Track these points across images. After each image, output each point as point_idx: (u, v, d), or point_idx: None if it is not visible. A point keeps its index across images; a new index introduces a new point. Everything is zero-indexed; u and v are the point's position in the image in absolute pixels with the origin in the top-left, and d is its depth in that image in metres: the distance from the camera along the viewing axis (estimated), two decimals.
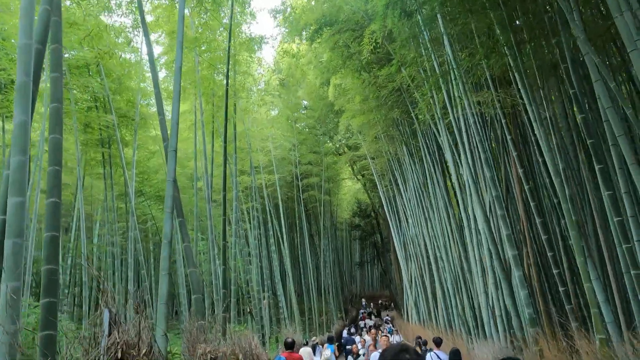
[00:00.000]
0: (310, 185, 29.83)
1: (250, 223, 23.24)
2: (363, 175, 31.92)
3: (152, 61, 7.39)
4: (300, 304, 28.45)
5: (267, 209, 24.74)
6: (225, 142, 11.31)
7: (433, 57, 10.46)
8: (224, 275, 11.00)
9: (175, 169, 6.25)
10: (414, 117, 14.64)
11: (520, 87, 8.17)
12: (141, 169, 20.76)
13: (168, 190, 6.07)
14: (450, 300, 15.29)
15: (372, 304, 39.67)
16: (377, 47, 13.28)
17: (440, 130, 12.54)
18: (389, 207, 24.63)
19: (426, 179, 16.20)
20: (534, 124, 8.01)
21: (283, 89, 27.83)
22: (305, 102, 31.20)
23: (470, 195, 10.80)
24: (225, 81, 12.00)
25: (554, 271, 8.47)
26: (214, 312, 14.93)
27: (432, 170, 15.25)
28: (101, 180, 15.82)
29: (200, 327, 5.59)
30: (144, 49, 22.87)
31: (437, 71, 10.25)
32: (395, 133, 17.71)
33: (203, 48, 13.55)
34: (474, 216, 11.25)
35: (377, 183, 23.86)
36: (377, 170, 23.27)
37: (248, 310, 22.01)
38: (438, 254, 16.24)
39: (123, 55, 16.42)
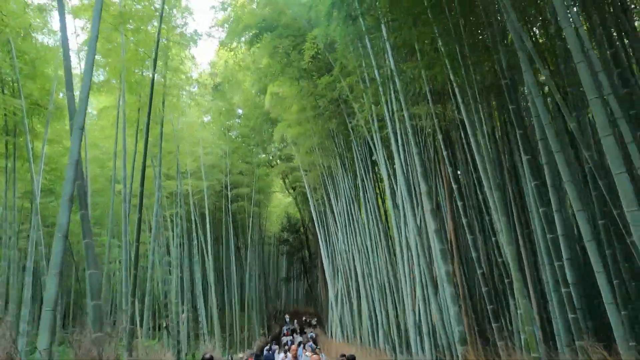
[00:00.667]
0: (240, 195, 28.87)
1: (173, 231, 21.89)
2: (294, 189, 31.48)
3: (63, 29, 6.48)
4: (222, 318, 27.19)
5: (193, 217, 23.48)
6: (147, 133, 10.37)
7: (374, 67, 10.27)
8: (134, 282, 9.95)
9: (79, 150, 5.38)
10: (350, 130, 14.46)
11: (460, 101, 8.10)
12: (54, 165, 18.91)
13: (69, 174, 5.18)
14: (376, 317, 15.06)
15: (295, 320, 39.00)
16: (319, 54, 12.99)
17: (376, 144, 12.39)
18: (320, 222, 24.29)
19: (358, 193, 16.03)
20: (471, 139, 7.94)
21: (218, 94, 26.88)
22: (240, 111, 30.42)
23: (404, 209, 10.63)
24: (152, 68, 11.09)
25: (483, 289, 8.39)
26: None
27: (365, 184, 15.10)
28: (2, 174, 14.04)
29: (98, 339, 4.72)
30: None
31: (378, 81, 10.05)
32: (331, 145, 17.47)
33: (130, 27, 12.42)
34: (406, 231, 11.09)
35: (309, 197, 23.48)
36: (310, 183, 22.92)
37: (164, 324, 20.54)
38: (366, 270, 16.02)
39: (41, 39, 14.92)
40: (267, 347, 20.93)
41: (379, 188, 15.50)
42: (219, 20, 17.25)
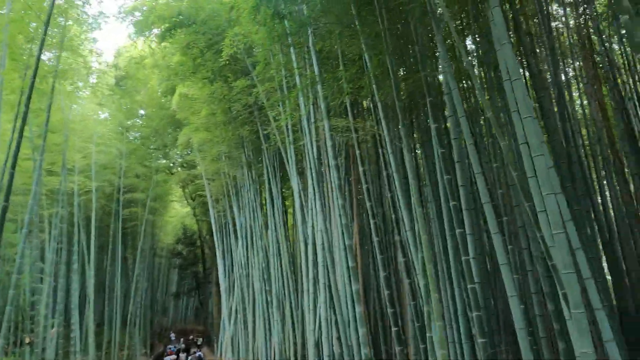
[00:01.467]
0: (134, 201, 26.67)
1: (50, 234, 19.39)
2: (194, 199, 29.82)
3: None
4: (99, 335, 24.59)
5: (76, 220, 21.06)
6: (24, 120, 8.89)
7: (297, 74, 9.88)
8: None
9: None
10: (262, 139, 13.88)
11: (381, 117, 7.94)
12: None
13: None
14: (270, 336, 14.40)
15: (182, 339, 36.75)
16: (237, 55, 12.32)
17: (289, 156, 11.94)
18: (219, 234, 23.12)
19: (265, 207, 15.41)
20: (390, 157, 7.78)
21: (119, 91, 24.79)
22: (143, 112, 28.37)
23: (314, 224, 10.22)
24: (40, 40, 9.61)
25: (389, 310, 8.17)
26: None
27: (273, 197, 14.53)
28: None
29: None
30: None
31: (299, 89, 9.64)
32: (239, 154, 16.69)
33: None
34: (313, 248, 10.67)
35: (210, 208, 22.29)
36: (212, 193, 21.78)
37: (27, 340, 17.86)
38: (266, 287, 15.32)
39: None
40: None
41: (287, 202, 15.03)
42: (129, 6, 15.84)
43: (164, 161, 31.30)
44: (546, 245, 4.77)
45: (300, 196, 11.55)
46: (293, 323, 12.67)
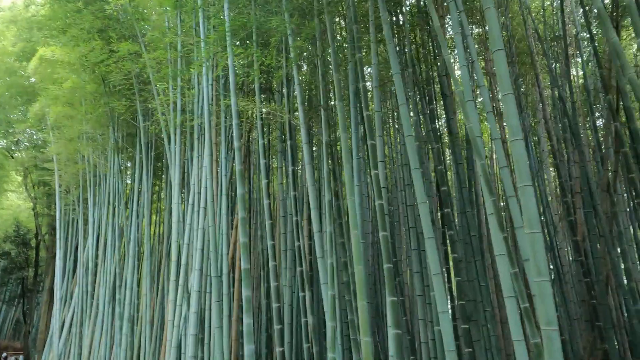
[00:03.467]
0: None
1: None
2: (36, 187, 25.18)
3: None
4: None
5: None
6: None
7: (202, 45, 8.42)
8: None
9: None
10: (140, 119, 11.86)
11: (298, 103, 6.90)
12: None
13: None
14: (112, 355, 12.02)
15: None
16: (126, 13, 10.37)
17: (174, 139, 10.20)
18: (63, 233, 19.60)
19: (131, 201, 13.16)
20: (304, 148, 6.74)
21: None
22: None
23: (198, 221, 8.62)
24: None
25: (274, 305, 6.93)
26: None
27: (142, 190, 12.45)
28: None
29: None
30: None
31: (202, 61, 8.20)
32: (106, 136, 14.18)
33: None
34: (188, 249, 9.02)
35: (57, 200, 18.82)
36: (63, 182, 18.44)
37: None
38: (118, 296, 12.91)
39: None
40: None
41: (162, 195, 12.98)
42: None
43: (3, 142, 26.24)
44: None
45: (179, 189, 9.81)
46: (155, 339, 10.65)
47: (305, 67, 10.47)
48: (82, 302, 16.50)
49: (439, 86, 8.33)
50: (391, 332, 5.03)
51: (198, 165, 8.97)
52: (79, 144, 15.30)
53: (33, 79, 21.06)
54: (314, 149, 9.98)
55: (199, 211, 8.61)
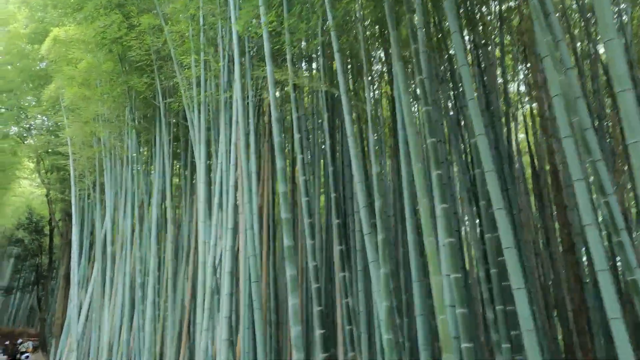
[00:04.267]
0: None
1: None
2: (49, 173, 24.89)
3: None
4: None
5: None
6: None
7: (233, 14, 7.96)
8: None
9: None
10: (159, 97, 11.45)
11: (339, 71, 6.46)
12: None
13: None
14: (143, 342, 11.78)
15: (7, 343, 30.75)
16: None
17: (196, 119, 9.80)
18: (80, 219, 19.41)
19: (151, 185, 12.81)
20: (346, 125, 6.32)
21: None
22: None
23: (227, 204, 8.23)
24: None
25: (314, 285, 6.59)
26: None
27: (165, 172, 12.10)
28: None
29: None
30: None
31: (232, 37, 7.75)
32: (122, 116, 13.77)
33: None
34: (218, 232, 8.66)
35: (72, 185, 18.54)
36: (78, 167, 18.14)
37: None
38: (140, 280, 12.64)
39: None
40: None
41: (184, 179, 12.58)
42: None
43: (14, 129, 25.97)
44: None
45: (205, 167, 9.40)
46: (174, 322, 10.39)
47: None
48: (100, 287, 16.31)
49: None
50: (457, 311, 4.68)
51: (226, 142, 8.57)
52: (95, 126, 14.95)
53: (44, 64, 20.70)
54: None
55: (227, 190, 8.24)
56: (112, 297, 14.70)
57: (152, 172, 12.97)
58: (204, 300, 8.21)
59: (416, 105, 10.21)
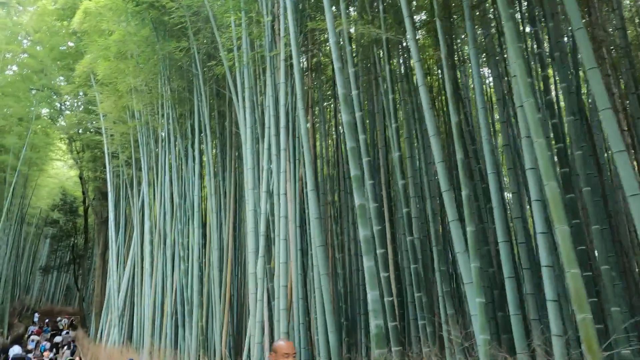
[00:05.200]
0: (5, 148, 21.53)
1: None
2: (81, 152, 24.91)
3: None
4: None
5: None
6: None
7: None
8: None
9: None
10: (197, 63, 10.99)
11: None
12: None
13: None
14: (186, 317, 11.66)
15: (47, 321, 31.59)
16: None
17: (241, 81, 9.33)
18: (116, 197, 19.44)
19: (193, 159, 12.45)
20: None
21: None
22: (27, 41, 23.06)
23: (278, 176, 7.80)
24: None
25: (412, 266, 6.14)
26: None
27: (206, 145, 11.74)
28: None
29: None
30: None
31: None
32: (157, 87, 13.38)
33: None
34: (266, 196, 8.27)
35: (107, 163, 18.48)
36: (112, 144, 18.01)
37: None
38: (182, 254, 12.45)
39: None
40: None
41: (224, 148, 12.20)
42: None
43: (47, 111, 26.06)
44: None
45: (252, 133, 8.97)
46: (219, 296, 10.16)
47: None
48: (140, 262, 16.30)
49: None
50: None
51: (273, 105, 8.11)
52: (129, 99, 14.67)
53: (73, 43, 20.54)
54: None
55: (278, 154, 7.80)
56: (154, 272, 14.63)
57: (189, 142, 12.63)
58: (256, 270, 7.87)
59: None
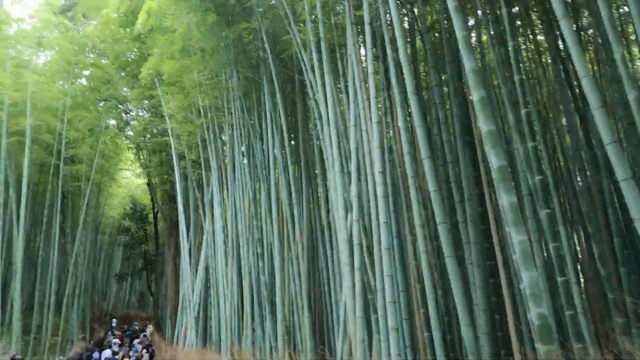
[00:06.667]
0: (79, 157, 22.16)
1: None
2: (149, 157, 25.30)
3: None
4: (26, 318, 20.18)
5: (4, 168, 16.60)
6: None
7: None
8: None
9: None
10: (266, 43, 10.34)
11: None
12: None
13: None
14: (267, 315, 11.07)
15: (125, 326, 32.57)
16: None
17: (316, 60, 8.58)
18: (186, 199, 19.36)
19: (267, 153, 11.88)
20: None
21: (65, 20, 20.23)
22: (93, 55, 23.74)
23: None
24: None
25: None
26: None
27: (282, 136, 11.12)
28: None
29: None
30: None
31: None
32: (225, 81, 12.93)
33: None
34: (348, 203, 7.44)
35: (175, 164, 18.39)
36: (179, 145, 17.93)
37: None
38: (259, 250, 11.89)
39: None
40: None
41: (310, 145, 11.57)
42: None
43: (113, 122, 26.74)
44: None
45: (334, 116, 8.14)
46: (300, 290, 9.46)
47: None
48: (214, 263, 16.00)
49: None
50: None
51: (356, 76, 7.27)
52: (194, 96, 14.39)
53: (135, 50, 20.85)
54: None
55: (366, 129, 6.96)
56: (229, 271, 14.22)
57: (259, 133, 12.06)
58: (350, 256, 7.05)
59: None
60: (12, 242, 19.43)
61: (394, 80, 6.63)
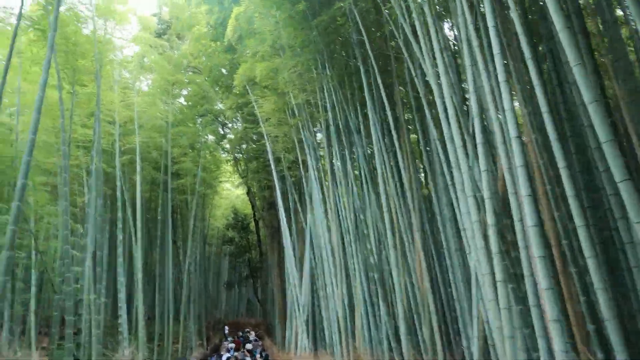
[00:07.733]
0: (183, 171, 23.22)
1: (87, 194, 16.12)
2: (247, 165, 25.90)
3: None
4: (149, 326, 21.36)
5: (120, 185, 17.68)
6: None
7: None
8: None
9: None
10: (363, 33, 9.75)
11: None
12: None
13: None
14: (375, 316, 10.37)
15: (239, 332, 33.68)
16: None
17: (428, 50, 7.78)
18: (285, 203, 19.33)
19: (370, 148, 11.26)
20: None
21: (163, 41, 21.31)
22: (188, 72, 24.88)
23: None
24: None
25: None
26: None
27: (383, 129, 10.43)
28: None
29: None
30: None
31: None
32: (314, 75, 12.51)
33: None
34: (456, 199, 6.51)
35: (272, 166, 18.38)
36: (273, 148, 17.91)
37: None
38: (368, 251, 11.24)
39: None
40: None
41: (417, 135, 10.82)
42: None
43: (211, 137, 27.80)
44: None
45: (453, 114, 7.23)
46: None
47: None
48: (320, 264, 15.65)
49: None
50: None
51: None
52: (287, 95, 14.20)
53: (225, 71, 21.43)
54: None
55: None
56: (337, 272, 13.73)
57: (356, 125, 11.45)
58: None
59: None
60: (132, 257, 20.65)
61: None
